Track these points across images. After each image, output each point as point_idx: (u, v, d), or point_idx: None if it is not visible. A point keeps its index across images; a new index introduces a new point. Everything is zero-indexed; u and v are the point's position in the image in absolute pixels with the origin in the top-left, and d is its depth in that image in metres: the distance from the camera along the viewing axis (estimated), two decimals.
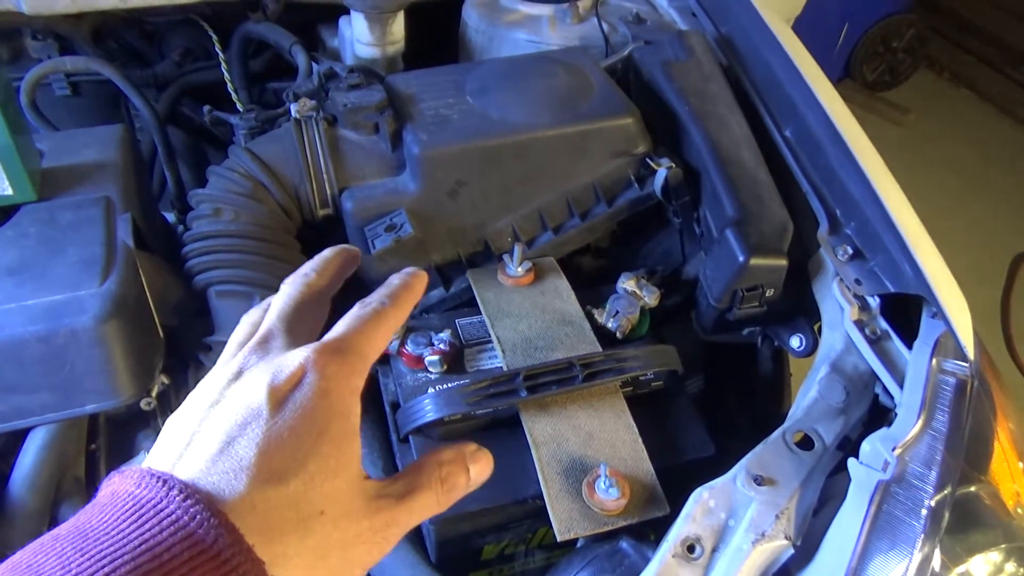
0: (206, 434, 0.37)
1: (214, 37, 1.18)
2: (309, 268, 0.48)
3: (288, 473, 0.36)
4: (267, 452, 0.36)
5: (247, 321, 0.46)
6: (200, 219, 0.83)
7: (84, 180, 0.83)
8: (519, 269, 0.87)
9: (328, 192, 0.86)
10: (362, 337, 0.43)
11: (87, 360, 0.70)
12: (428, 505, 0.42)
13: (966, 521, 0.64)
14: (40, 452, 0.71)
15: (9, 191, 0.77)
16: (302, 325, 0.44)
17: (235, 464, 0.35)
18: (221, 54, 1.16)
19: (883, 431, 0.68)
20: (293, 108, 0.87)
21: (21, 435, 0.72)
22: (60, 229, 0.76)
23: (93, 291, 0.71)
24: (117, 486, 0.35)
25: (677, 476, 0.73)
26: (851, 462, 0.67)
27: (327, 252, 0.51)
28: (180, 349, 0.82)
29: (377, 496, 0.40)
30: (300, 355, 0.39)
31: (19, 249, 0.74)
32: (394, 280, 0.48)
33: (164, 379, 0.78)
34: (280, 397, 0.38)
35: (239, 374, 0.40)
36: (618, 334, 0.84)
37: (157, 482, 0.34)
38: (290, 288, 0.46)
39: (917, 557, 0.61)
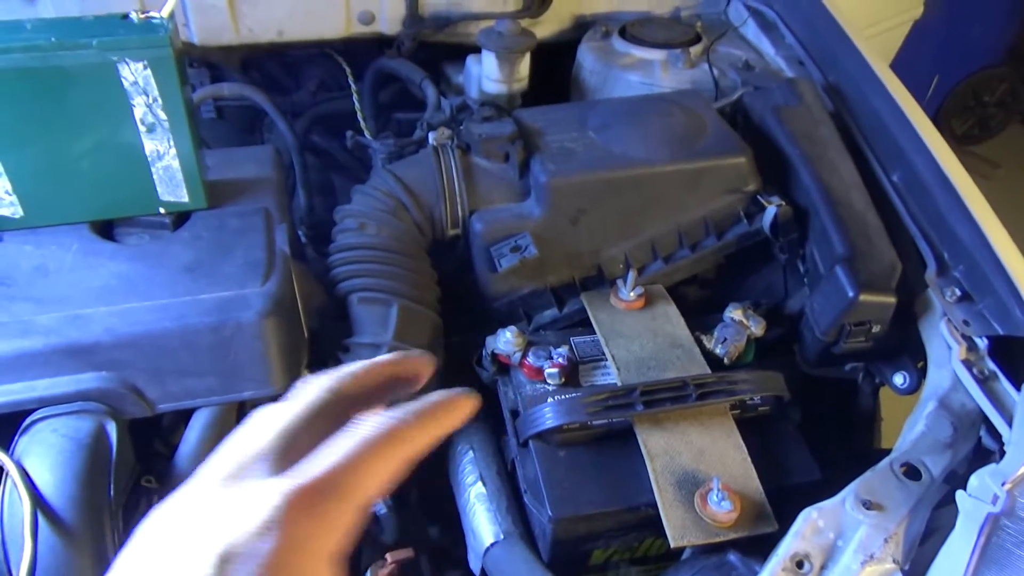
0: None
1: (347, 70, 1.29)
2: (347, 372, 0.38)
3: None
4: None
5: (260, 424, 0.35)
6: (346, 232, 0.92)
7: (245, 192, 0.93)
8: (632, 294, 0.92)
9: (460, 213, 0.93)
10: (356, 473, 0.31)
11: (248, 351, 0.78)
12: None
13: None
14: (204, 430, 0.79)
15: (186, 199, 0.87)
16: (307, 443, 0.34)
17: None
18: (354, 86, 1.27)
19: (992, 466, 0.70)
20: (431, 136, 0.95)
21: (186, 415, 0.80)
22: (229, 234, 0.86)
23: (256, 290, 0.80)
24: None
25: (780, 497, 0.76)
26: (960, 494, 0.69)
27: (386, 359, 0.40)
28: (319, 349, 0.90)
29: None
30: (267, 502, 0.30)
31: (195, 250, 0.84)
32: (432, 397, 0.37)
33: (307, 375, 0.86)
34: (227, 563, 0.28)
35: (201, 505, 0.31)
36: (725, 360, 0.88)
37: None
38: (313, 393, 0.37)
39: None
